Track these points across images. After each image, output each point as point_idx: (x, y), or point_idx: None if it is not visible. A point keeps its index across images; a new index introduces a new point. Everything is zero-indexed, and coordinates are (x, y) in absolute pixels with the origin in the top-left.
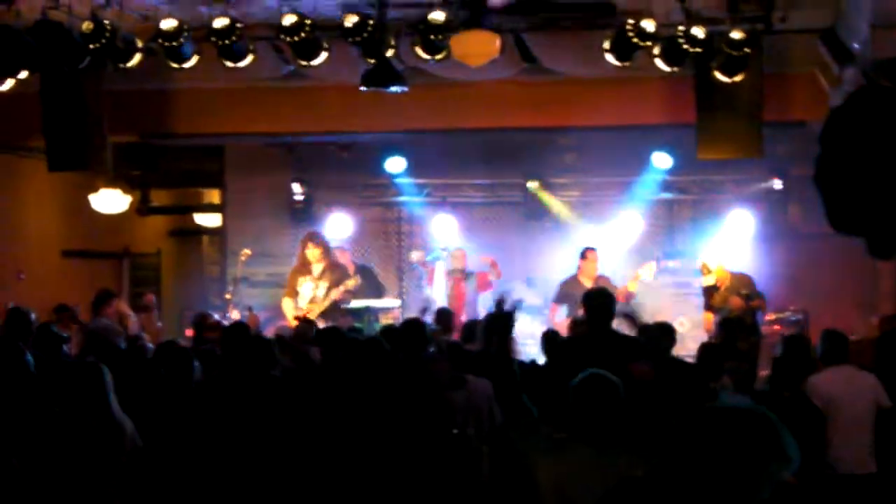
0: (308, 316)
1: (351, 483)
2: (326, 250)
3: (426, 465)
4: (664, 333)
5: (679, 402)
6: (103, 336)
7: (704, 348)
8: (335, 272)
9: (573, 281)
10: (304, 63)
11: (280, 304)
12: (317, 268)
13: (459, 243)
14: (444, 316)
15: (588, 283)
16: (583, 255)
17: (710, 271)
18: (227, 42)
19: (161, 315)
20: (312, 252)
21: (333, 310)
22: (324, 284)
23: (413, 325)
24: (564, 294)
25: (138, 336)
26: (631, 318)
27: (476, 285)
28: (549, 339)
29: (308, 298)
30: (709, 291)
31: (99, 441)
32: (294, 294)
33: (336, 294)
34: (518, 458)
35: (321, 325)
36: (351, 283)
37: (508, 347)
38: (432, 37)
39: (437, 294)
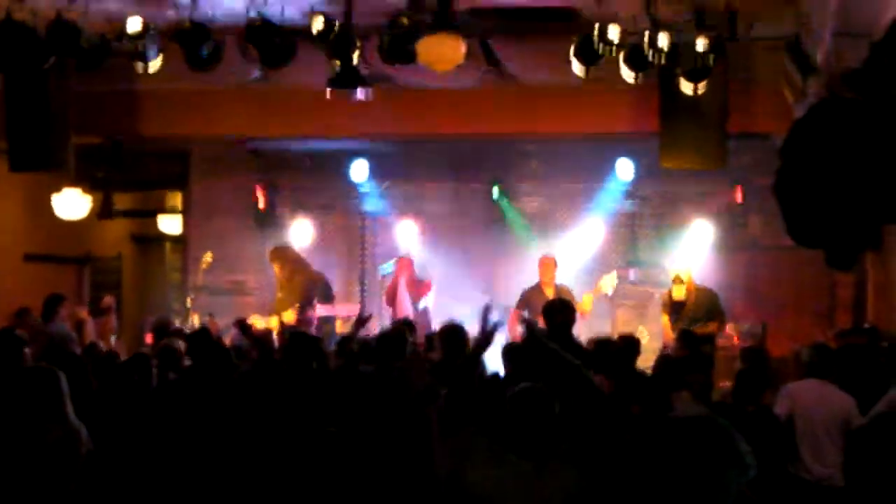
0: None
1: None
2: (283, 265)
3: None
4: (628, 346)
5: (639, 414)
6: (58, 343)
7: (665, 361)
8: (294, 288)
9: (536, 289)
10: (270, 68)
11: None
12: (281, 282)
13: (422, 250)
14: (408, 327)
15: (549, 292)
16: (540, 264)
17: (682, 282)
18: (193, 45)
19: (121, 320)
20: (274, 268)
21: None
22: (283, 300)
23: (394, 336)
24: (526, 301)
25: (94, 343)
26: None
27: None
28: (510, 352)
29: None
30: (677, 306)
31: (55, 446)
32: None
33: (288, 317)
34: (453, 467)
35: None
36: (288, 316)
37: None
38: (398, 42)
39: (401, 303)
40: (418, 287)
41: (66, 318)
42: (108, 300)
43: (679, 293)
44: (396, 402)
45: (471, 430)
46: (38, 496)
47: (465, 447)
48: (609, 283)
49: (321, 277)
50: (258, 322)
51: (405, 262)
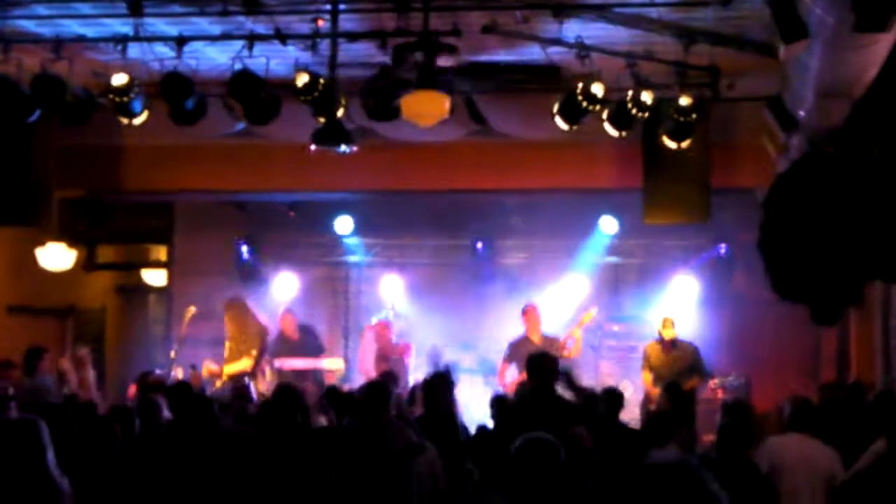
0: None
1: None
2: (236, 316)
3: None
4: (611, 398)
5: (619, 465)
6: (40, 395)
7: (653, 417)
8: (247, 339)
9: (523, 340)
10: (255, 124)
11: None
12: (231, 334)
13: (406, 304)
14: (390, 379)
15: (536, 340)
16: (524, 312)
17: (671, 329)
18: (177, 99)
19: (104, 372)
20: (225, 319)
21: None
22: (230, 351)
23: (376, 389)
24: (513, 353)
25: (74, 394)
26: (568, 377)
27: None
28: (498, 404)
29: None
30: (657, 342)
31: (37, 499)
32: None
33: (230, 367)
34: None
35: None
36: (242, 363)
37: (451, 410)
38: (382, 98)
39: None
40: (395, 351)
41: (48, 370)
42: (83, 352)
43: (670, 334)
44: (381, 457)
45: (475, 484)
46: None
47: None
48: (589, 316)
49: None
50: (211, 367)
51: (379, 329)
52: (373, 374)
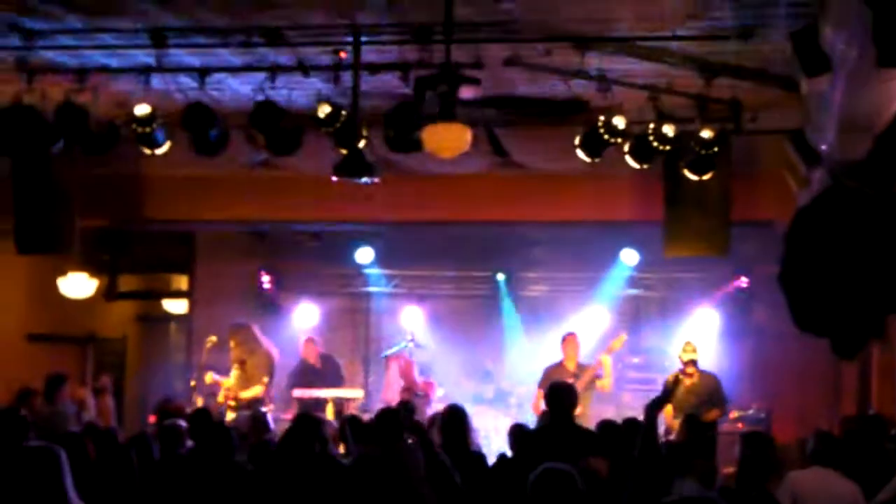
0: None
1: None
2: (242, 342)
3: None
4: (632, 429)
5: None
6: (49, 425)
7: (671, 448)
8: (254, 365)
9: (558, 367)
10: (277, 155)
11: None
12: (236, 359)
13: (426, 335)
14: (407, 409)
15: (571, 367)
16: (563, 340)
17: (693, 352)
18: (200, 130)
19: (124, 399)
20: (231, 345)
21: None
22: (240, 377)
23: (388, 417)
24: (548, 379)
25: (93, 422)
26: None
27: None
28: (515, 433)
29: (225, 388)
30: (680, 373)
31: None
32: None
33: (244, 393)
34: None
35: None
36: (253, 390)
37: (468, 441)
38: (404, 130)
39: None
40: (420, 388)
41: (67, 398)
42: (105, 380)
43: (689, 357)
44: (399, 485)
45: None
46: None
47: None
48: (619, 342)
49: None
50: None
51: (403, 365)
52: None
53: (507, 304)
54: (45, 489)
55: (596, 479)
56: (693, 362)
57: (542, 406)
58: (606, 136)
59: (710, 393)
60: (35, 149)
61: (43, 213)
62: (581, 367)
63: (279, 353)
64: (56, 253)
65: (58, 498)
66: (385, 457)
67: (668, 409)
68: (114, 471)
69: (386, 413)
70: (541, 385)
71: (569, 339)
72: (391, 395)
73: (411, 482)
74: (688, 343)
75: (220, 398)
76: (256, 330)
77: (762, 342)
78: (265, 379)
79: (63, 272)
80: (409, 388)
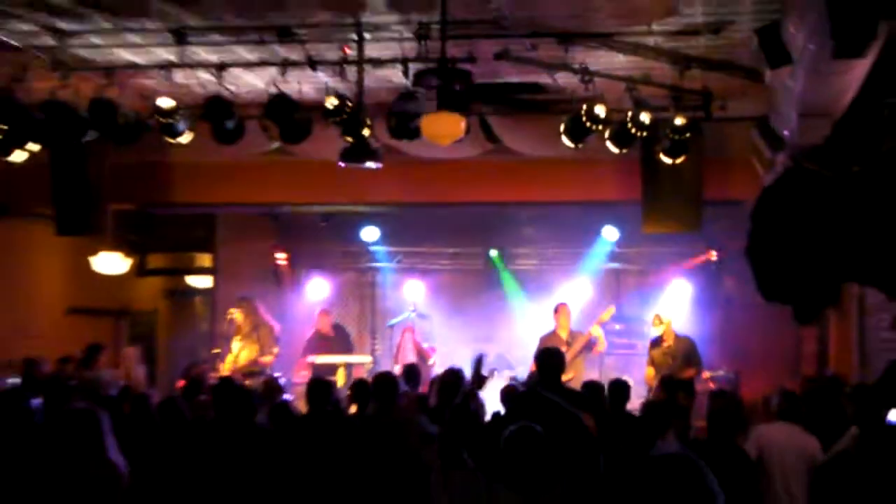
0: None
1: None
2: (247, 315)
3: None
4: (619, 389)
5: (627, 452)
6: (91, 388)
7: (651, 406)
8: (253, 337)
9: (552, 335)
10: (289, 143)
11: None
12: (242, 330)
13: (426, 306)
14: (412, 372)
15: (564, 335)
16: (555, 310)
17: (661, 323)
18: (218, 120)
19: (156, 366)
20: (237, 315)
21: (249, 371)
22: (245, 346)
23: (385, 379)
24: (544, 345)
25: (128, 386)
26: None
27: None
28: (507, 394)
29: (232, 357)
30: (654, 342)
31: (96, 481)
32: (223, 358)
33: (249, 358)
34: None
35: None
36: (266, 358)
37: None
38: (404, 119)
39: (406, 353)
40: (422, 354)
41: (104, 364)
42: (128, 351)
43: (656, 331)
44: (397, 443)
45: (469, 466)
46: None
47: (462, 482)
48: (608, 314)
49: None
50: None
51: (408, 331)
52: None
53: (506, 276)
54: (87, 447)
55: (587, 436)
56: (662, 334)
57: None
58: (588, 124)
59: (686, 354)
60: (69, 140)
61: (78, 199)
62: (573, 335)
63: (296, 323)
64: (91, 234)
65: (98, 454)
66: (381, 413)
67: (651, 372)
68: (146, 430)
69: (382, 376)
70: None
71: (561, 309)
72: (405, 358)
73: (403, 435)
74: (656, 316)
75: (227, 366)
76: (259, 304)
77: (731, 310)
78: (275, 350)
79: (96, 251)
80: (420, 354)
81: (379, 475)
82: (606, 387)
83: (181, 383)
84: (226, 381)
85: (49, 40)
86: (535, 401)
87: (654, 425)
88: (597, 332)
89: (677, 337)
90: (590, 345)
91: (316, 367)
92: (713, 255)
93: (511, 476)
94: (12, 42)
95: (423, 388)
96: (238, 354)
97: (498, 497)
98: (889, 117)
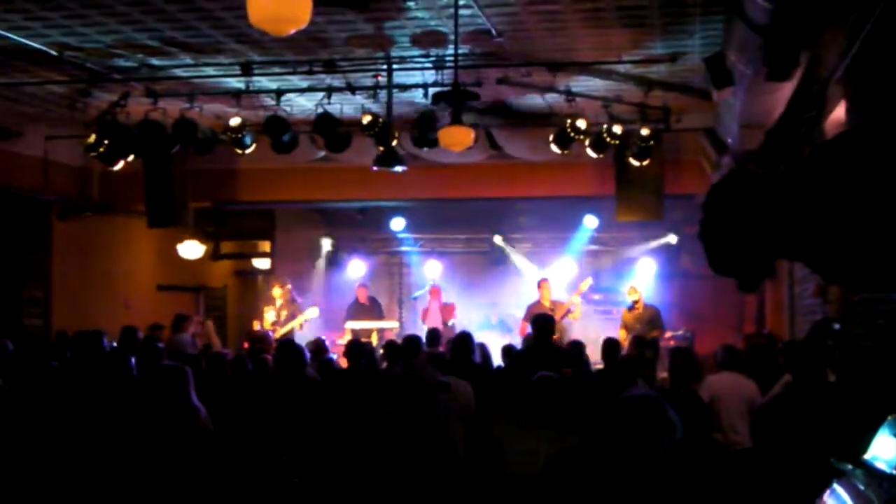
0: (270, 332)
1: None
2: (284, 294)
3: (416, 452)
4: (611, 346)
5: (607, 395)
6: (178, 349)
7: (625, 361)
8: (290, 308)
9: (537, 304)
10: (333, 152)
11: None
12: (279, 302)
13: (442, 281)
14: (434, 335)
15: (547, 304)
16: (538, 285)
17: (636, 293)
18: (276, 135)
19: (228, 332)
20: (277, 291)
21: (289, 333)
22: (283, 314)
23: (411, 341)
24: (530, 313)
25: (208, 345)
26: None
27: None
28: (507, 351)
29: (271, 321)
30: (630, 308)
31: (182, 422)
32: (261, 318)
33: (292, 324)
34: (493, 439)
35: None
36: (300, 320)
37: (471, 357)
38: (425, 132)
39: (431, 319)
40: (446, 309)
41: (189, 330)
42: (209, 323)
43: (631, 298)
44: (416, 390)
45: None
46: (167, 462)
47: (502, 421)
48: (586, 285)
49: None
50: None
51: (435, 290)
52: (433, 324)
53: (515, 257)
54: (176, 397)
55: (568, 382)
56: (636, 302)
57: (528, 330)
58: (572, 134)
59: (652, 319)
60: (159, 151)
61: (165, 198)
62: (555, 304)
63: (339, 295)
64: (176, 226)
65: (185, 403)
66: (406, 367)
67: (623, 334)
68: (221, 382)
69: (409, 338)
70: (525, 318)
71: (542, 284)
72: (430, 319)
73: (421, 384)
74: (631, 287)
75: (267, 324)
76: (295, 293)
77: (687, 281)
78: (303, 320)
79: (180, 240)
80: (443, 313)
81: (402, 414)
82: (601, 344)
83: (246, 345)
84: (286, 342)
85: (144, 73)
86: (533, 357)
87: (627, 375)
88: (576, 300)
89: (646, 306)
90: (566, 313)
91: (354, 332)
92: (673, 238)
93: (539, 414)
94: (115, 76)
95: (442, 348)
96: (278, 320)
97: (531, 432)
98: (808, 128)
